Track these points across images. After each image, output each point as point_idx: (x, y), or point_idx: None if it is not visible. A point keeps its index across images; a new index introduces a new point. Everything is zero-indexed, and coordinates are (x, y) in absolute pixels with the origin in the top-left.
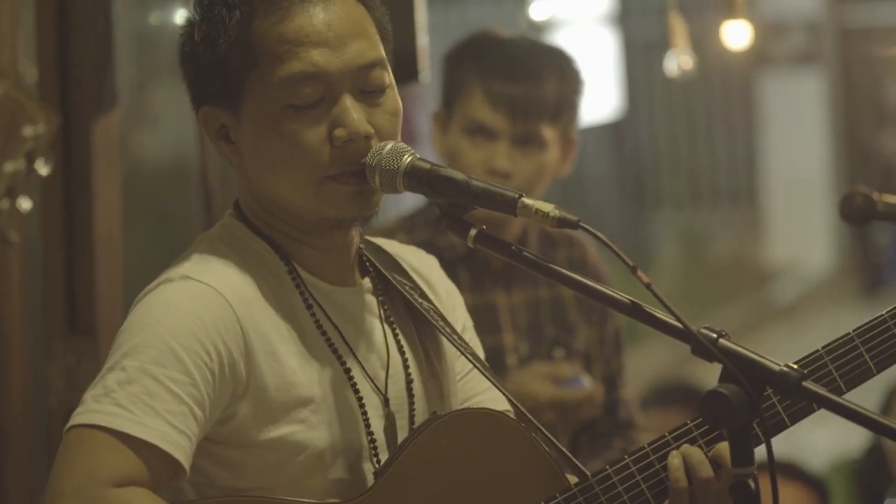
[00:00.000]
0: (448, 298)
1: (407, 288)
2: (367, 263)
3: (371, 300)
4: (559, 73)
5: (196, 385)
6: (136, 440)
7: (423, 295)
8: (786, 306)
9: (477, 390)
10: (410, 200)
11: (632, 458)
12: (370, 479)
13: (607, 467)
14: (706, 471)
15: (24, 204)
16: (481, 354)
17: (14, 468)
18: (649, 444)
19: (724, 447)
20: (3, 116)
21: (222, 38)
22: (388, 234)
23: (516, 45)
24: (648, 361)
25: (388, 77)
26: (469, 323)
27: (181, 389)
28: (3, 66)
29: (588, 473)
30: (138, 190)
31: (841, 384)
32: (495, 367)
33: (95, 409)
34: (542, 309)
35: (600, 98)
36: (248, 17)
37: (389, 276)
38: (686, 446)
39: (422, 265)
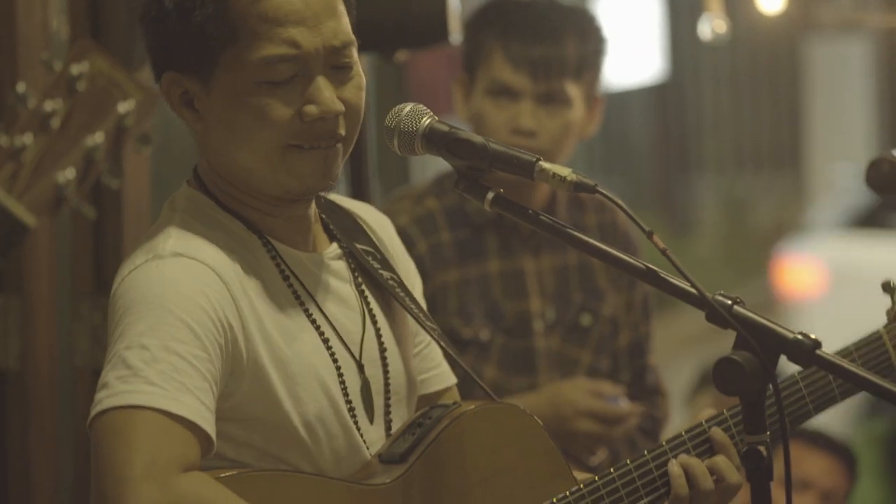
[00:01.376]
0: (404, 262)
1: (370, 258)
2: (332, 228)
3: (341, 265)
4: (580, 32)
5: (212, 360)
6: (180, 418)
7: (384, 261)
8: None
9: (427, 367)
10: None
11: (634, 463)
12: (360, 449)
13: (611, 471)
14: (707, 483)
15: (111, 183)
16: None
17: (40, 427)
18: (648, 452)
19: (721, 459)
20: (93, 94)
21: (198, 10)
22: (419, 197)
23: (536, 6)
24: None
25: (355, 54)
26: (419, 292)
27: (202, 365)
28: (35, 26)
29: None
30: (166, 151)
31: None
32: (522, 332)
33: (128, 389)
34: (570, 274)
35: (644, 61)
36: None
37: (350, 246)
38: (685, 457)
39: (378, 224)
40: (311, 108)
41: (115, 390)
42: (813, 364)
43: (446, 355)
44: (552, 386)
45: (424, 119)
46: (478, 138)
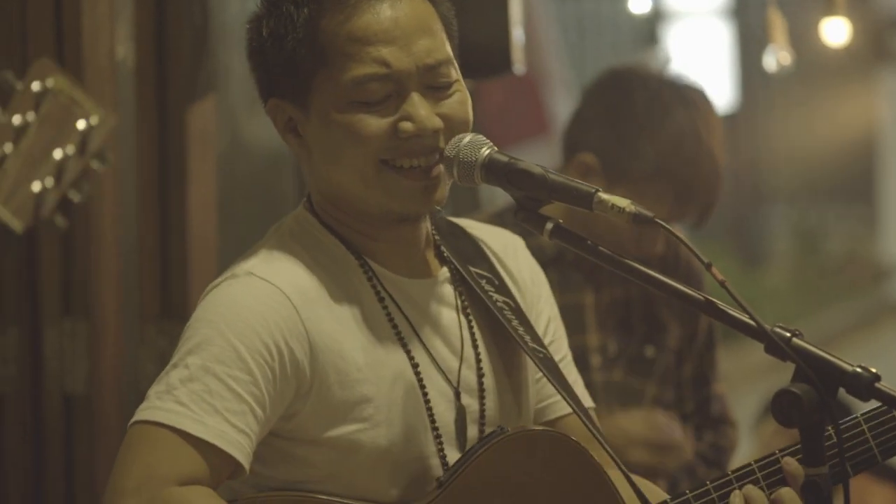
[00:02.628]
0: (533, 286)
1: (484, 282)
2: (445, 252)
3: (448, 290)
4: (720, 143)
5: (257, 384)
6: (195, 439)
7: (503, 286)
8: None
9: (546, 395)
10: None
11: (693, 493)
12: (435, 476)
13: (668, 500)
14: None
15: (74, 196)
16: (564, 347)
17: (106, 451)
18: (711, 482)
19: (786, 492)
20: (57, 109)
21: (290, 36)
22: None
23: (686, 132)
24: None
25: (456, 72)
26: (555, 312)
27: (242, 388)
28: (102, 54)
29: (649, 502)
30: (233, 176)
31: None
32: (579, 367)
33: (158, 405)
34: (633, 306)
35: (715, 91)
36: (316, 14)
37: (463, 271)
38: (749, 487)
39: (506, 250)
40: (407, 125)
41: (149, 405)
42: (871, 397)
43: (549, 381)
44: (610, 418)
45: (484, 149)
46: (537, 169)
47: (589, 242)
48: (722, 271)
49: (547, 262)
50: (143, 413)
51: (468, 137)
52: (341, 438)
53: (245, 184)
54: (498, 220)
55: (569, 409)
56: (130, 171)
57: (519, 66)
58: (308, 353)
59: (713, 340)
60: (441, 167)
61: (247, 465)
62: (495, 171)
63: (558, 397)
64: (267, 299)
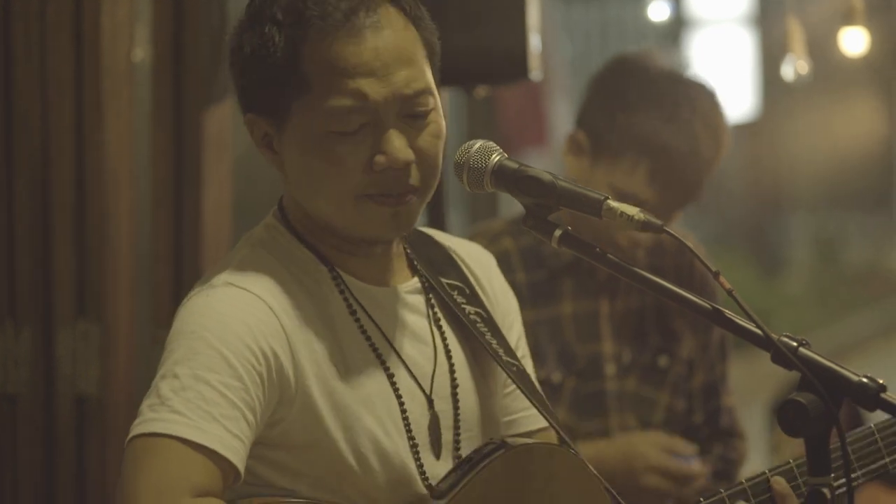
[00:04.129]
0: (504, 299)
1: (455, 292)
2: (416, 262)
3: (419, 300)
4: (717, 144)
5: (247, 389)
6: (198, 446)
7: (474, 296)
8: None
9: (517, 407)
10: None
11: (707, 500)
12: (415, 482)
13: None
14: None
15: None
16: (530, 365)
17: (117, 454)
18: (705, 499)
19: None
20: None
21: (270, 59)
22: (495, 236)
23: (681, 111)
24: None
25: (434, 100)
26: (522, 330)
27: (234, 394)
28: (120, 57)
29: None
30: (248, 181)
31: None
32: (593, 374)
33: (153, 417)
34: (647, 315)
35: (737, 98)
36: (299, 39)
37: (433, 281)
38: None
39: (478, 262)
40: (381, 159)
41: (144, 418)
42: (877, 407)
43: (524, 393)
44: (626, 436)
45: (494, 156)
46: (546, 176)
47: (597, 249)
48: (740, 279)
49: (563, 269)
50: (140, 427)
51: (478, 144)
52: (324, 445)
53: (260, 188)
54: (514, 227)
55: (543, 423)
56: (146, 173)
57: (536, 72)
58: (291, 360)
59: (725, 352)
60: (412, 198)
61: (242, 471)
62: (504, 178)
63: (532, 410)
64: (248, 307)
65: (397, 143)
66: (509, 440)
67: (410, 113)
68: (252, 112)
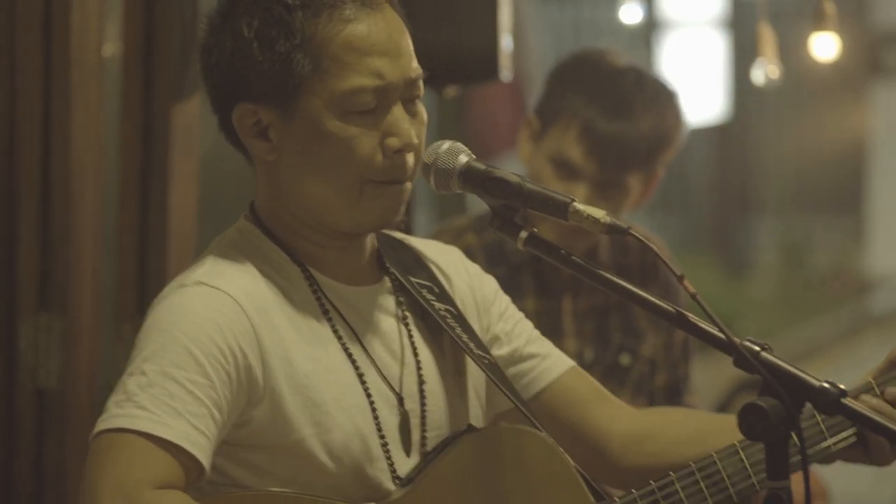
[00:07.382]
0: (479, 283)
1: (425, 291)
2: (387, 262)
3: (389, 299)
4: (660, 118)
5: (214, 387)
6: (162, 441)
7: (444, 294)
8: (884, 316)
9: (507, 401)
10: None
11: (677, 474)
12: (385, 479)
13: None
14: None
15: None
16: (529, 325)
17: (77, 447)
18: (654, 481)
19: None
20: None
21: (283, 39)
22: (458, 233)
23: (622, 82)
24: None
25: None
26: (507, 301)
27: (200, 391)
28: (89, 51)
29: (604, 496)
30: (216, 176)
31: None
32: None
33: (119, 413)
34: (611, 314)
35: (707, 101)
36: (313, 20)
37: (403, 280)
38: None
39: (446, 260)
40: (394, 141)
41: (109, 414)
42: (837, 413)
43: (494, 385)
44: None
45: (462, 157)
46: (514, 178)
47: (562, 251)
48: (706, 282)
49: (525, 265)
50: (105, 423)
51: (446, 145)
52: (295, 444)
53: (227, 185)
54: (478, 223)
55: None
56: (112, 167)
57: (506, 72)
58: (260, 359)
59: (689, 352)
60: (409, 183)
61: (207, 467)
62: (472, 179)
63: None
64: (219, 306)
65: (406, 125)
66: (476, 426)
67: (410, 97)
68: (247, 100)
